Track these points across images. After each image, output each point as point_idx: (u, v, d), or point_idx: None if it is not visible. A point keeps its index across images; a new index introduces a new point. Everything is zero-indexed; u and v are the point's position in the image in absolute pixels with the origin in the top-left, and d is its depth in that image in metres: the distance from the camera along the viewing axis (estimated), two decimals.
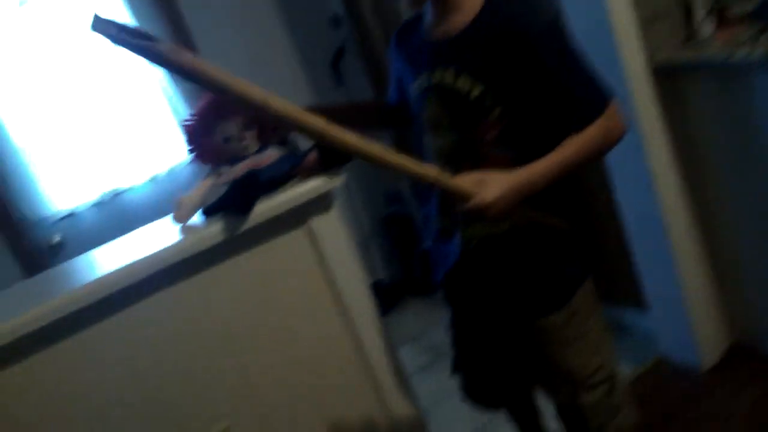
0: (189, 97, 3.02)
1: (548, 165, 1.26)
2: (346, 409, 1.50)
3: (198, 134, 1.34)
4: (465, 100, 1.30)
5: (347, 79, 3.34)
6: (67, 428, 1.27)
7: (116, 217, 2.93)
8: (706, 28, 1.95)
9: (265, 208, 1.33)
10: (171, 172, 3.01)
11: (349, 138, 1.14)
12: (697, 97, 1.99)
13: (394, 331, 1.76)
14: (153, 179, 2.98)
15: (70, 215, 2.87)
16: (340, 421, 1.49)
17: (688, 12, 1.97)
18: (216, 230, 1.30)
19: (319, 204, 1.40)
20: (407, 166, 1.20)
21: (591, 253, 1.50)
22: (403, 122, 1.62)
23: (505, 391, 1.69)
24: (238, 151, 1.35)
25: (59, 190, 2.81)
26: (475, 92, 1.28)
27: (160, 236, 1.39)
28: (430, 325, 3.18)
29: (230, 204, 1.28)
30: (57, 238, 2.89)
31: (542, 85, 1.25)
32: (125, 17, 2.86)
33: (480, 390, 1.68)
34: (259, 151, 1.35)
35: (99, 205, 2.90)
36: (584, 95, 1.27)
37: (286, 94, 1.11)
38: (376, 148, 1.16)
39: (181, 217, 1.33)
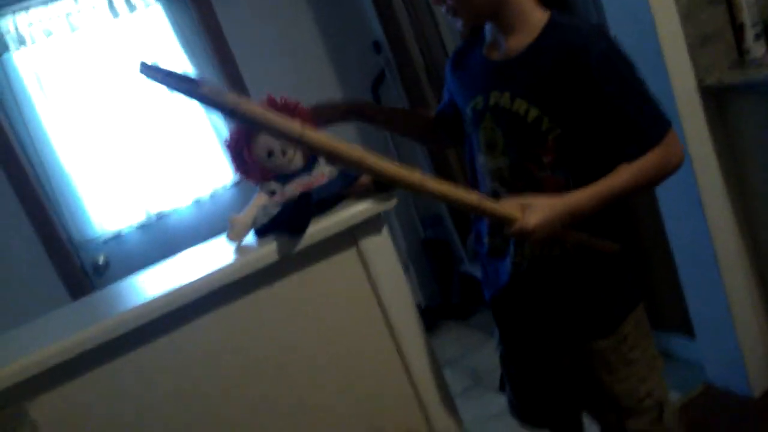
0: (232, 122, 3.07)
1: (598, 191, 1.25)
2: (394, 430, 1.48)
3: (240, 148, 1.35)
4: (521, 123, 1.29)
5: (386, 103, 3.37)
6: None
7: (160, 239, 2.98)
8: (757, 49, 1.93)
9: (317, 229, 1.33)
10: (214, 195, 3.06)
11: (387, 167, 1.14)
12: (748, 119, 1.96)
13: None
14: (196, 202, 3.03)
15: (116, 237, 2.93)
16: None
17: (738, 34, 1.95)
18: (268, 251, 1.31)
19: (370, 226, 1.41)
20: (447, 192, 1.20)
21: (642, 279, 1.47)
22: (445, 139, 1.63)
23: (552, 411, 1.66)
24: (283, 165, 1.35)
25: (105, 212, 2.88)
26: (532, 115, 1.28)
27: (210, 257, 1.40)
28: (468, 349, 3.16)
29: (283, 225, 1.29)
30: (102, 259, 2.94)
31: (600, 110, 1.24)
32: (172, 43, 2.94)
33: (526, 408, 1.66)
34: (308, 167, 1.35)
35: (143, 227, 2.96)
36: (642, 122, 1.25)
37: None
38: (415, 176, 1.16)
39: (234, 237, 1.34)
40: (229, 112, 1.01)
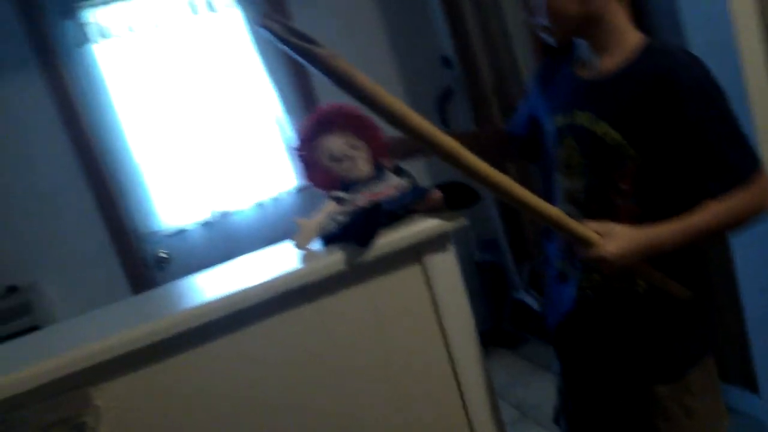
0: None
1: (681, 228, 1.20)
2: None
3: (305, 152, 1.33)
4: (602, 146, 1.27)
5: (451, 118, 3.36)
6: None
7: (222, 238, 3.04)
8: None
9: (383, 242, 1.33)
10: (277, 200, 3.10)
11: (480, 165, 1.13)
12: None
13: None
14: (259, 205, 3.08)
15: (179, 232, 3.01)
16: None
17: None
18: (333, 260, 1.31)
19: (436, 243, 1.39)
20: (532, 202, 1.17)
21: (714, 330, 1.42)
22: (516, 155, 1.60)
23: None
24: (348, 171, 1.33)
25: (171, 207, 2.95)
26: (614, 140, 1.25)
27: (275, 262, 1.42)
28: (516, 379, 3.11)
29: (352, 235, 1.28)
30: (164, 253, 3.01)
31: (686, 140, 1.21)
32: (248, 45, 3.00)
33: None
34: (377, 177, 1.34)
35: (207, 225, 3.03)
36: (730, 157, 1.21)
37: (390, 128, 1.12)
38: (504, 179, 1.15)
39: (301, 242, 1.34)
40: (339, 79, 1.00)
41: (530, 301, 3.32)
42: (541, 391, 2.96)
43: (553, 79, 1.42)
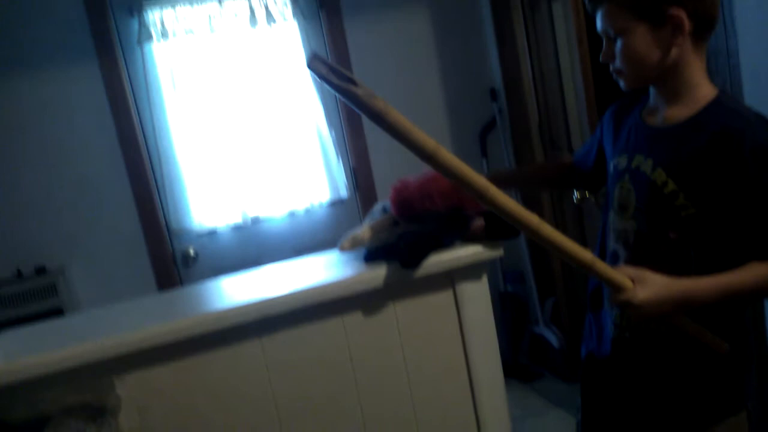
0: (341, 146, 3.15)
1: (719, 284, 1.19)
2: None
3: (415, 205, 1.38)
4: (657, 193, 1.26)
5: (491, 150, 3.37)
6: None
7: (251, 243, 3.07)
8: None
9: (423, 265, 1.34)
10: (309, 211, 3.12)
11: (507, 202, 1.13)
12: None
13: None
14: (291, 214, 3.10)
15: (210, 233, 3.04)
16: None
17: None
18: (375, 276, 1.33)
19: (470, 272, 1.40)
20: (561, 243, 1.17)
21: (749, 387, 1.39)
22: (581, 185, 1.62)
23: None
24: (427, 217, 1.38)
25: (205, 207, 2.99)
26: (669, 188, 1.25)
27: (311, 271, 1.43)
28: (529, 414, 3.07)
29: (401, 256, 1.31)
30: (192, 251, 3.04)
31: (741, 201, 1.19)
32: (300, 59, 3.04)
33: None
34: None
35: (237, 228, 3.05)
36: None
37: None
38: (533, 218, 1.14)
39: (345, 248, 1.38)
40: (374, 116, 1.05)
41: (550, 336, 3.29)
42: (552, 427, 2.93)
43: (624, 120, 1.42)
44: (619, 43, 1.26)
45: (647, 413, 1.38)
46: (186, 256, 3.05)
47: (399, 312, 1.39)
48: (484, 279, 1.42)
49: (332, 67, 1.03)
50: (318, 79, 1.03)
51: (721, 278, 1.19)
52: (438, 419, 1.45)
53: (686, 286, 1.19)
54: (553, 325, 3.33)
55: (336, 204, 3.18)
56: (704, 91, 1.27)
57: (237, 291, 1.45)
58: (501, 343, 1.44)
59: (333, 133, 3.09)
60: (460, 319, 1.42)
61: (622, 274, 1.19)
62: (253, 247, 3.07)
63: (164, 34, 2.86)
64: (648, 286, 1.17)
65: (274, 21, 2.98)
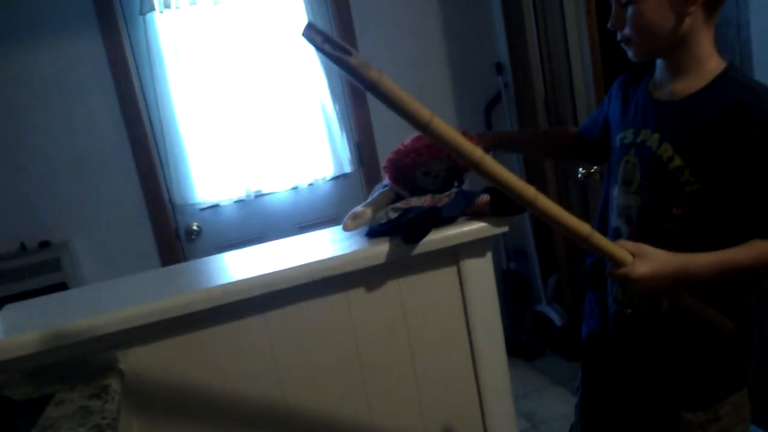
0: (345, 121, 3.12)
1: (720, 260, 1.18)
2: None
3: (406, 161, 1.37)
4: (662, 168, 1.25)
5: (495, 124, 3.34)
6: (182, 413, 1.31)
7: (254, 217, 3.06)
8: None
9: (424, 241, 1.33)
10: (312, 185, 3.11)
11: (503, 173, 1.10)
12: None
13: None
14: (294, 189, 3.09)
15: (213, 207, 3.03)
16: None
17: None
18: (379, 252, 1.32)
19: (475, 248, 1.39)
20: (557, 215, 1.15)
21: (754, 364, 1.38)
22: (582, 159, 1.58)
23: None
24: (426, 184, 1.37)
25: (208, 181, 2.97)
26: (674, 164, 1.23)
27: (316, 247, 1.42)
28: (530, 391, 3.09)
29: (402, 230, 1.30)
30: (196, 226, 3.04)
31: (747, 176, 1.18)
32: None
33: None
34: (443, 189, 1.37)
35: (240, 203, 3.04)
36: None
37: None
38: (530, 190, 1.12)
39: (349, 226, 1.36)
40: (369, 86, 1.04)
41: (552, 314, 3.29)
42: (553, 405, 2.94)
43: (631, 93, 1.40)
44: (630, 10, 1.23)
45: (648, 392, 1.38)
46: (189, 231, 3.04)
47: (403, 288, 1.38)
48: (489, 256, 1.41)
49: (327, 37, 1.02)
50: (313, 47, 1.02)
51: (721, 254, 1.18)
52: (440, 395, 1.45)
53: (685, 260, 1.19)
54: (555, 303, 3.34)
55: (340, 179, 3.17)
56: (713, 64, 1.24)
57: (240, 266, 1.44)
58: (504, 321, 1.43)
59: (337, 107, 3.07)
60: (464, 295, 1.41)
61: (620, 248, 1.18)
62: (256, 222, 3.06)
63: (167, 4, 2.81)
64: (647, 260, 1.17)
65: None
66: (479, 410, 1.48)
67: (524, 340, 3.47)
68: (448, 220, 1.34)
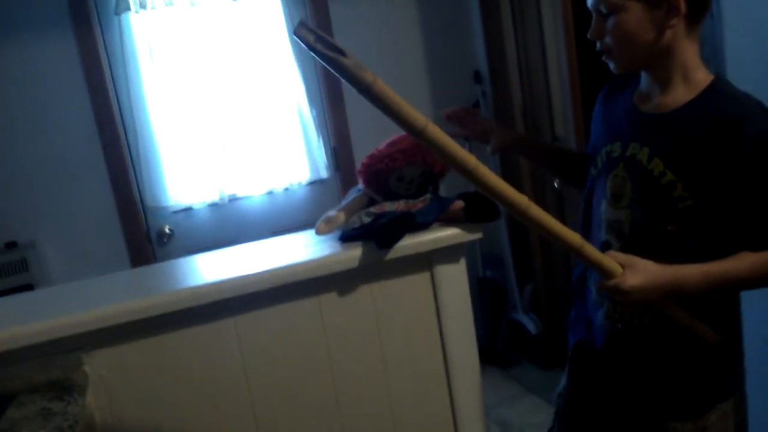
0: (322, 126, 3.11)
1: (707, 272, 1.18)
2: None
3: (380, 166, 1.36)
4: (654, 184, 1.23)
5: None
6: (148, 416, 1.29)
7: (227, 221, 3.03)
8: None
9: (398, 246, 1.32)
10: (288, 190, 3.09)
11: (496, 182, 1.10)
12: None
13: None
14: (269, 193, 3.07)
15: (186, 210, 2.99)
16: None
17: None
18: (352, 256, 1.30)
19: (448, 254, 1.38)
20: (549, 225, 1.15)
21: (741, 375, 1.39)
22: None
23: None
24: (400, 189, 1.36)
25: (181, 184, 2.93)
26: (666, 179, 1.22)
27: (288, 250, 1.41)
28: (503, 399, 3.09)
29: (375, 235, 1.29)
30: (168, 229, 3.00)
31: (739, 190, 1.17)
32: (282, 34, 2.99)
33: None
34: (414, 195, 1.37)
35: (214, 206, 3.01)
36: None
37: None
38: (522, 199, 1.12)
39: (322, 230, 1.35)
40: (363, 88, 1.02)
41: (528, 323, 3.30)
42: (527, 413, 2.95)
43: (615, 105, 1.39)
44: (611, 21, 1.23)
45: (636, 402, 1.38)
46: (161, 234, 3.00)
47: (375, 293, 1.37)
48: (462, 262, 1.41)
49: (319, 36, 1.00)
50: (305, 47, 1.01)
51: (710, 266, 1.18)
52: (412, 402, 1.44)
53: (675, 273, 1.18)
54: (531, 311, 3.35)
55: (316, 184, 3.15)
56: (699, 75, 1.24)
57: (211, 268, 1.42)
58: (479, 329, 1.43)
59: (314, 112, 3.05)
60: (437, 301, 1.40)
61: (611, 260, 1.18)
62: (230, 226, 3.03)
63: (143, 4, 2.78)
64: (637, 272, 1.16)
65: None
66: (451, 417, 1.47)
67: (499, 348, 3.48)
68: (422, 226, 1.33)
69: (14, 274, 2.65)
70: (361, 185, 1.40)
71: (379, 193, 1.36)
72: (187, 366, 1.29)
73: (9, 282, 2.63)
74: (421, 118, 1.04)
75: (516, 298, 3.39)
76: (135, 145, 2.89)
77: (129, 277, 1.61)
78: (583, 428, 1.53)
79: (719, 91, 1.21)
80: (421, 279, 1.40)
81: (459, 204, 1.33)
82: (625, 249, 1.27)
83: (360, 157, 3.17)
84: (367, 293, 1.37)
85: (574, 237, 1.17)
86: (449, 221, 1.35)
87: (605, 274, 1.18)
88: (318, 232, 1.35)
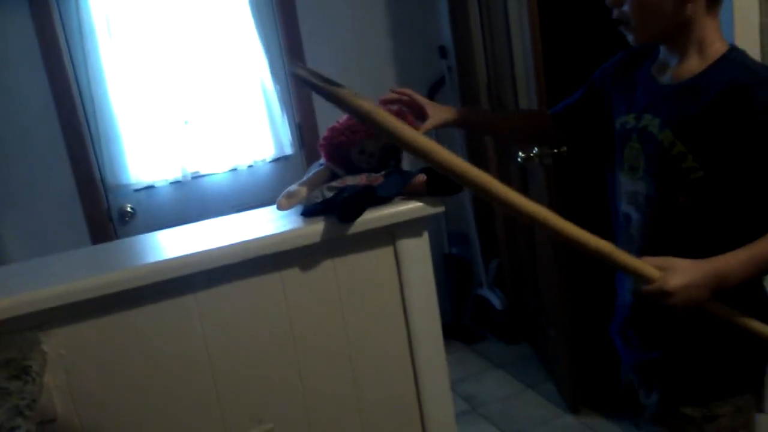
0: (286, 102, 3.07)
1: (749, 256, 1.14)
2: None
3: (341, 138, 1.35)
4: (664, 155, 1.21)
5: None
6: (109, 394, 1.28)
7: (190, 199, 2.99)
8: None
9: (360, 220, 1.32)
10: (252, 167, 3.05)
11: (512, 194, 1.10)
12: None
13: None
14: (233, 170, 3.03)
15: (148, 188, 2.94)
16: None
17: None
18: (314, 231, 1.30)
19: (411, 228, 1.39)
20: (580, 236, 1.12)
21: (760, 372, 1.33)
22: (558, 138, 1.56)
23: None
24: (361, 163, 1.35)
25: (142, 161, 2.88)
26: (676, 150, 1.20)
27: (250, 226, 1.40)
28: (469, 374, 3.13)
29: (336, 210, 1.29)
30: (129, 207, 2.95)
31: (753, 161, 1.15)
32: (246, 17, 2.94)
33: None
34: (376, 169, 1.36)
35: (176, 184, 2.96)
36: None
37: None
38: (544, 210, 1.10)
39: (283, 205, 1.34)
40: (359, 115, 1.06)
41: (493, 298, 3.34)
42: (493, 388, 2.99)
43: (632, 76, 1.36)
44: None
45: (655, 381, 1.36)
46: (123, 213, 2.94)
47: (338, 267, 1.37)
48: (425, 236, 1.41)
49: (316, 72, 1.07)
50: (304, 84, 1.08)
51: (748, 250, 1.14)
52: (376, 375, 1.45)
53: (717, 263, 1.14)
54: (496, 287, 3.38)
55: (280, 161, 3.12)
56: (717, 46, 1.21)
57: (172, 244, 1.41)
58: (445, 306, 1.44)
59: (278, 87, 3.01)
60: (400, 275, 1.41)
61: (645, 264, 1.15)
62: (193, 204, 2.99)
63: None
64: (678, 271, 1.13)
65: None
66: (415, 391, 1.48)
67: (465, 323, 3.51)
68: (384, 200, 1.33)
69: None
70: (323, 159, 1.39)
71: (340, 166, 1.35)
72: (147, 343, 1.28)
73: None
74: (422, 140, 1.08)
75: (481, 274, 3.42)
76: (94, 122, 2.82)
77: (88, 254, 1.58)
78: None
79: (732, 59, 1.19)
80: (384, 253, 1.40)
81: (421, 178, 1.33)
82: (643, 221, 1.25)
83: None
84: (329, 268, 1.37)
85: (605, 245, 1.13)
86: (412, 195, 1.35)
87: (642, 278, 1.15)
88: (279, 207, 1.34)
